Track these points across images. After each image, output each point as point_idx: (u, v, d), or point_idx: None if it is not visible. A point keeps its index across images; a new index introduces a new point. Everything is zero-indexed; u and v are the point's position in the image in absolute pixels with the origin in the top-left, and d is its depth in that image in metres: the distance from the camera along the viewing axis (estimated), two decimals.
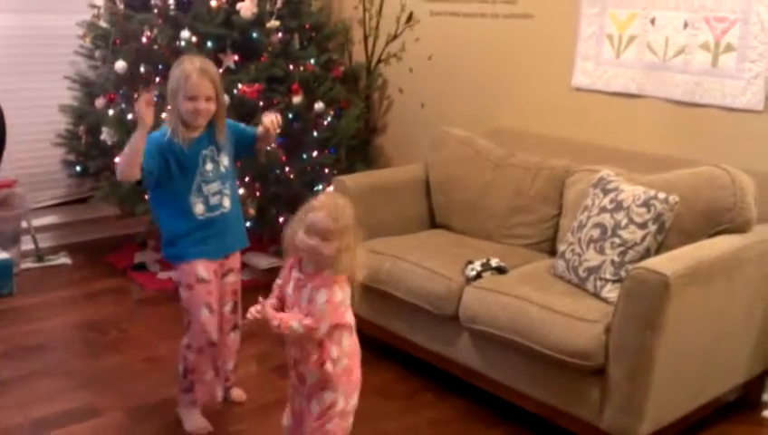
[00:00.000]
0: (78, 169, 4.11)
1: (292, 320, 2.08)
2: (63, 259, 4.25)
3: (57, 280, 4.02)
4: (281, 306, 2.20)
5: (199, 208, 2.59)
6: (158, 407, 2.82)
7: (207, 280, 2.63)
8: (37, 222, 4.26)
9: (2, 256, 3.80)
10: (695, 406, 2.61)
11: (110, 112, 3.77)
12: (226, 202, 2.65)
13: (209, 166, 2.60)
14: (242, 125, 2.79)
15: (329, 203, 2.11)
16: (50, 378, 3.01)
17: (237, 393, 2.90)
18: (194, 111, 2.51)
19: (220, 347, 2.73)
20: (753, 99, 2.92)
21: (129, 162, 2.47)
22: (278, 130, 2.69)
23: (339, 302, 2.10)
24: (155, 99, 2.47)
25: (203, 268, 2.62)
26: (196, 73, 2.50)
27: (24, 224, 4.14)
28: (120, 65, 3.75)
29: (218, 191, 2.62)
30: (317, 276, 2.10)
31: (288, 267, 2.19)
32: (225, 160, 2.64)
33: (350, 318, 2.18)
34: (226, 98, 3.61)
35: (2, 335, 3.33)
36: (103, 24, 4.00)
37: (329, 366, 2.14)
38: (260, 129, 2.68)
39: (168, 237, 2.64)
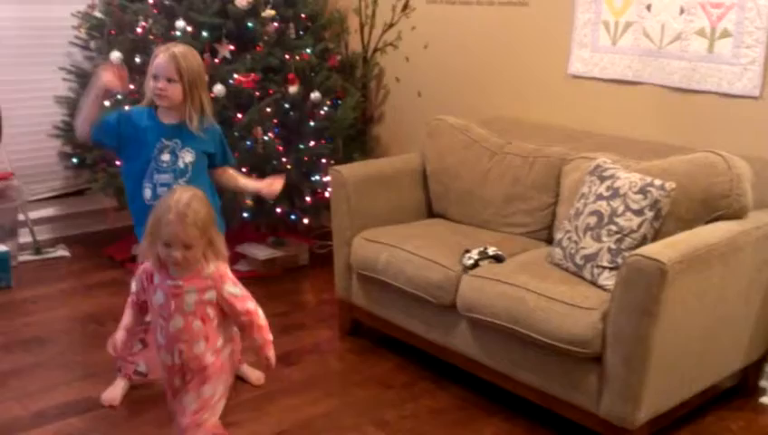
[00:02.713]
0: (74, 160, 4.11)
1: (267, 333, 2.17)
2: (61, 251, 4.25)
3: (55, 272, 4.02)
4: (139, 320, 2.22)
5: (146, 193, 2.61)
6: (157, 398, 2.82)
7: None
8: (35, 214, 4.26)
9: None
10: (692, 393, 2.62)
11: (106, 103, 3.75)
12: None
13: (165, 156, 2.60)
14: (228, 149, 2.78)
15: (176, 208, 2.01)
16: (49, 370, 3.02)
17: (256, 376, 2.94)
18: (154, 88, 2.55)
19: None
20: (749, 85, 2.91)
21: (83, 113, 2.61)
22: (274, 196, 2.82)
23: (239, 289, 2.14)
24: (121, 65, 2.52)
25: None
26: (162, 54, 2.54)
27: (21, 216, 4.14)
28: (116, 56, 3.73)
29: (167, 183, 2.60)
30: (197, 279, 2.07)
31: (145, 277, 2.14)
32: (187, 157, 2.62)
33: None
34: (221, 88, 3.62)
35: (0, 328, 3.33)
36: (98, 14, 4.00)
37: (211, 357, 2.14)
38: (252, 186, 2.81)
39: (133, 218, 2.69)
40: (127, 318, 2.20)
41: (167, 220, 2.00)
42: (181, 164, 2.62)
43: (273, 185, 2.78)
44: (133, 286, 2.17)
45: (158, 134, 2.60)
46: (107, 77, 2.53)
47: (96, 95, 2.56)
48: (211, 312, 2.10)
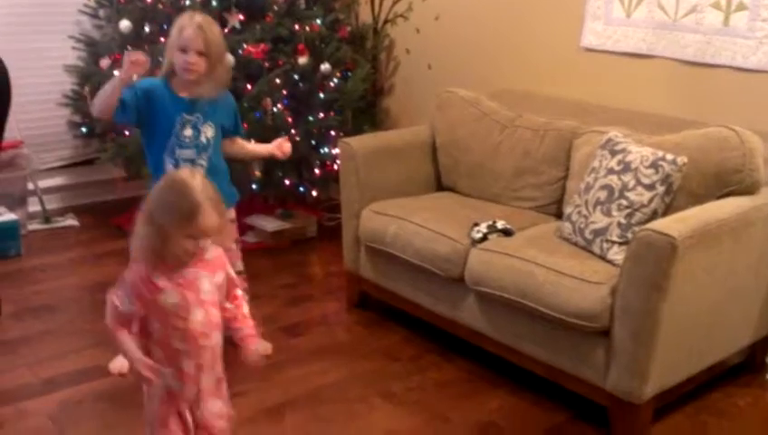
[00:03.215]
0: (84, 130, 4.11)
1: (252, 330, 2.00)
2: (70, 221, 4.27)
3: (64, 241, 4.04)
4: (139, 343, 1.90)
5: (169, 169, 2.60)
6: None
7: None
8: (44, 183, 4.27)
9: (9, 217, 3.82)
10: (700, 368, 2.62)
11: (115, 73, 3.73)
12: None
13: (188, 132, 2.60)
14: (238, 119, 2.80)
15: (206, 196, 1.80)
16: (59, 338, 3.05)
17: (264, 346, 2.94)
18: (183, 63, 2.52)
19: None
20: (764, 59, 2.87)
21: (103, 101, 2.52)
22: (286, 156, 2.83)
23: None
24: (145, 58, 2.46)
25: None
26: (191, 27, 2.51)
27: (30, 185, 4.15)
28: (125, 24, 3.72)
29: (190, 159, 2.61)
30: (202, 263, 1.89)
31: (145, 286, 1.83)
32: (209, 131, 2.63)
33: None
34: (230, 58, 3.59)
35: (10, 296, 3.35)
36: None
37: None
38: (263, 150, 2.83)
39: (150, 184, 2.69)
40: (128, 344, 1.87)
41: (204, 213, 1.78)
42: (203, 139, 2.63)
43: (283, 145, 2.80)
44: (123, 305, 1.85)
45: (178, 108, 2.59)
46: (132, 68, 2.43)
47: (120, 83, 2.47)
48: (220, 297, 1.96)
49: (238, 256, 2.85)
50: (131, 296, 1.85)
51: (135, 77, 2.49)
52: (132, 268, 1.86)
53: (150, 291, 1.84)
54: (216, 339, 1.95)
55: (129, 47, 3.77)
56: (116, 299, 1.85)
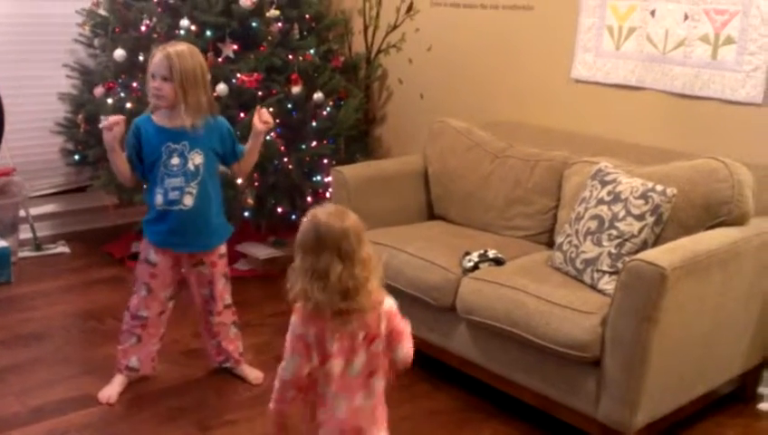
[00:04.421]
0: (76, 157, 4.12)
1: None
2: (61, 248, 4.25)
3: (55, 269, 4.02)
4: None
5: (158, 199, 2.64)
6: (155, 395, 2.83)
7: (154, 263, 2.74)
8: (35, 211, 4.26)
9: (0, 245, 3.80)
10: (690, 398, 2.62)
11: (109, 101, 3.76)
12: (188, 200, 2.64)
13: (175, 160, 2.61)
14: (236, 142, 2.79)
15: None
16: (47, 366, 3.02)
17: (255, 375, 2.93)
18: (150, 89, 2.58)
19: (208, 328, 2.88)
20: (752, 92, 2.91)
21: (119, 173, 2.68)
22: (270, 124, 2.77)
23: None
24: (118, 118, 2.58)
25: (154, 252, 2.73)
26: (158, 54, 2.56)
27: (22, 212, 4.14)
28: (119, 54, 3.74)
29: (179, 187, 2.62)
30: None
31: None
32: (197, 159, 2.63)
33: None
34: (224, 87, 3.62)
35: None
36: (103, 11, 4.00)
37: None
38: (254, 135, 2.76)
39: (147, 212, 2.75)
40: None
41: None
42: (191, 166, 2.63)
43: (261, 115, 2.72)
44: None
45: (162, 138, 2.61)
46: (110, 136, 2.57)
47: (115, 153, 2.61)
48: None
49: (227, 290, 2.86)
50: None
51: (118, 130, 2.59)
52: None
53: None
54: None
55: (123, 76, 3.81)
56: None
